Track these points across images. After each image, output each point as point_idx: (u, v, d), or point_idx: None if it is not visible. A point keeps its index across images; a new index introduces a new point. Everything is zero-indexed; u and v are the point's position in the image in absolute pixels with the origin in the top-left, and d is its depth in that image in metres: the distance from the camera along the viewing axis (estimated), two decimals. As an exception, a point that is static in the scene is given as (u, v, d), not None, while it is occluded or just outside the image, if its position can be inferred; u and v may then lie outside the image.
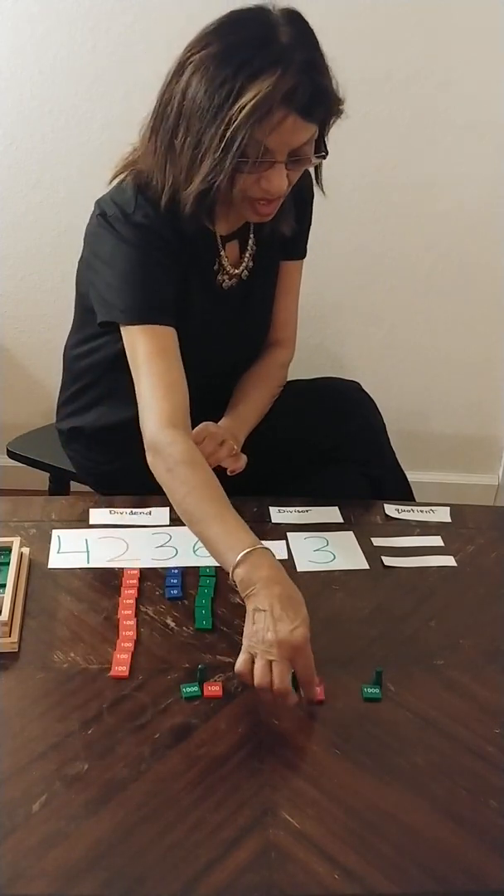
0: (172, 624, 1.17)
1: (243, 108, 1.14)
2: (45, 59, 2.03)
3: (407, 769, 0.97)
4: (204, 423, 1.37)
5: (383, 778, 0.96)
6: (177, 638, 1.14)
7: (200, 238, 1.37)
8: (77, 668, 1.08)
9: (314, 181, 1.39)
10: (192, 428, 1.32)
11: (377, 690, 1.07)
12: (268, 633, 1.02)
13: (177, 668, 1.09)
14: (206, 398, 1.48)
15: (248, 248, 1.45)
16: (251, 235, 1.45)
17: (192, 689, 1.05)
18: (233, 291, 1.45)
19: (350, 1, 1.97)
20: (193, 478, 1.20)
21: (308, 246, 1.57)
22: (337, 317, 2.31)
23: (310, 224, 1.55)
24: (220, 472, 1.33)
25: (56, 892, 0.82)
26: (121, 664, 1.09)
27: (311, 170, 1.37)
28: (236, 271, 1.44)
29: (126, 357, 1.33)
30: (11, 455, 1.79)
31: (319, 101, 1.19)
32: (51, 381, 2.29)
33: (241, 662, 1.04)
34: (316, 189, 1.43)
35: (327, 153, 1.28)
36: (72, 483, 1.76)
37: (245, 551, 1.08)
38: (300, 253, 1.56)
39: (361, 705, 1.05)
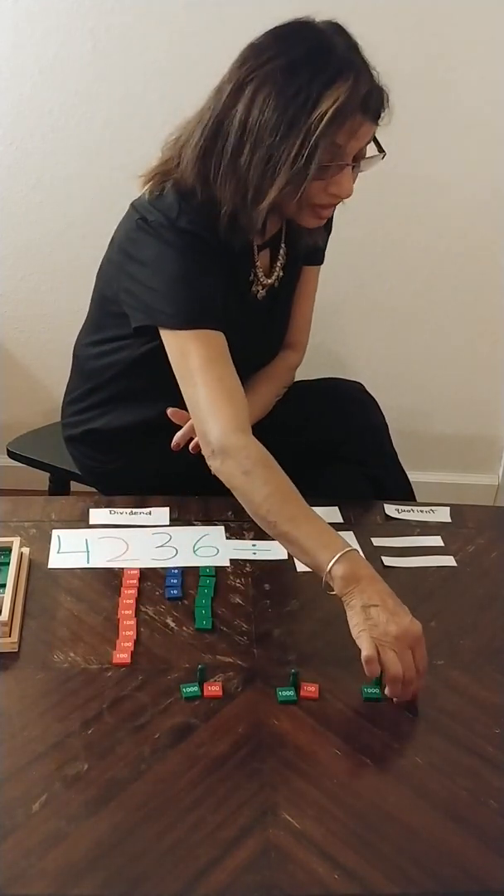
0: (172, 624, 1.17)
1: (324, 115, 1.16)
2: (45, 59, 2.03)
3: (407, 769, 0.97)
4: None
5: (383, 778, 0.96)
6: (177, 638, 1.14)
7: (239, 248, 1.35)
8: (77, 668, 1.08)
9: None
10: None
11: (377, 690, 1.07)
12: (390, 625, 1.05)
13: (177, 668, 1.09)
14: None
15: (280, 256, 1.45)
16: (282, 244, 1.45)
17: (192, 689, 1.05)
18: (265, 304, 1.45)
19: (350, 1, 1.97)
20: (274, 479, 1.19)
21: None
22: (337, 317, 2.31)
23: (330, 231, 1.57)
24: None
25: (56, 892, 0.82)
26: (123, 651, 1.10)
27: None
28: (269, 281, 1.44)
29: (149, 361, 1.34)
30: (11, 455, 1.79)
31: (383, 105, 1.25)
32: (51, 381, 2.30)
33: (369, 651, 1.04)
34: None
35: (385, 153, 1.31)
36: (72, 483, 1.76)
37: (343, 551, 1.11)
38: (321, 259, 1.58)
39: (361, 705, 1.05)
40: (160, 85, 2.01)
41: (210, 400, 1.24)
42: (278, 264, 1.45)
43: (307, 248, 1.47)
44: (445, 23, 2.00)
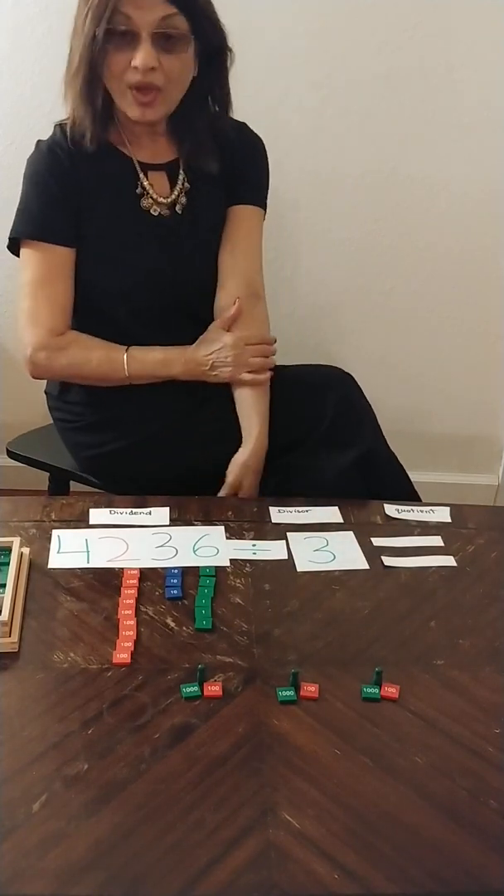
0: (172, 624, 1.17)
1: None
2: (45, 59, 2.03)
3: (407, 769, 0.97)
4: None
5: (383, 778, 0.96)
6: (177, 638, 1.14)
7: (116, 162, 1.50)
8: (77, 668, 1.08)
9: (225, 102, 1.53)
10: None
11: (377, 690, 1.07)
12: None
13: (177, 668, 1.09)
14: (142, 337, 1.53)
15: (179, 182, 1.53)
16: (182, 172, 1.53)
17: (192, 689, 1.05)
18: (164, 222, 1.51)
19: (350, 1, 1.97)
20: (92, 355, 1.49)
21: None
22: (337, 317, 2.31)
23: (266, 173, 1.61)
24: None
25: (56, 892, 0.82)
26: (123, 651, 1.10)
27: (219, 100, 1.51)
28: (165, 200, 1.51)
29: (96, 313, 1.49)
30: (11, 455, 1.79)
31: None
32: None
33: None
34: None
35: (194, 32, 1.40)
36: (72, 483, 1.76)
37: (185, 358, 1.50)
38: (251, 198, 1.59)
39: (361, 705, 1.05)
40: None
41: (33, 313, 1.47)
42: (178, 188, 1.53)
43: (210, 176, 1.53)
44: (445, 23, 2.00)
